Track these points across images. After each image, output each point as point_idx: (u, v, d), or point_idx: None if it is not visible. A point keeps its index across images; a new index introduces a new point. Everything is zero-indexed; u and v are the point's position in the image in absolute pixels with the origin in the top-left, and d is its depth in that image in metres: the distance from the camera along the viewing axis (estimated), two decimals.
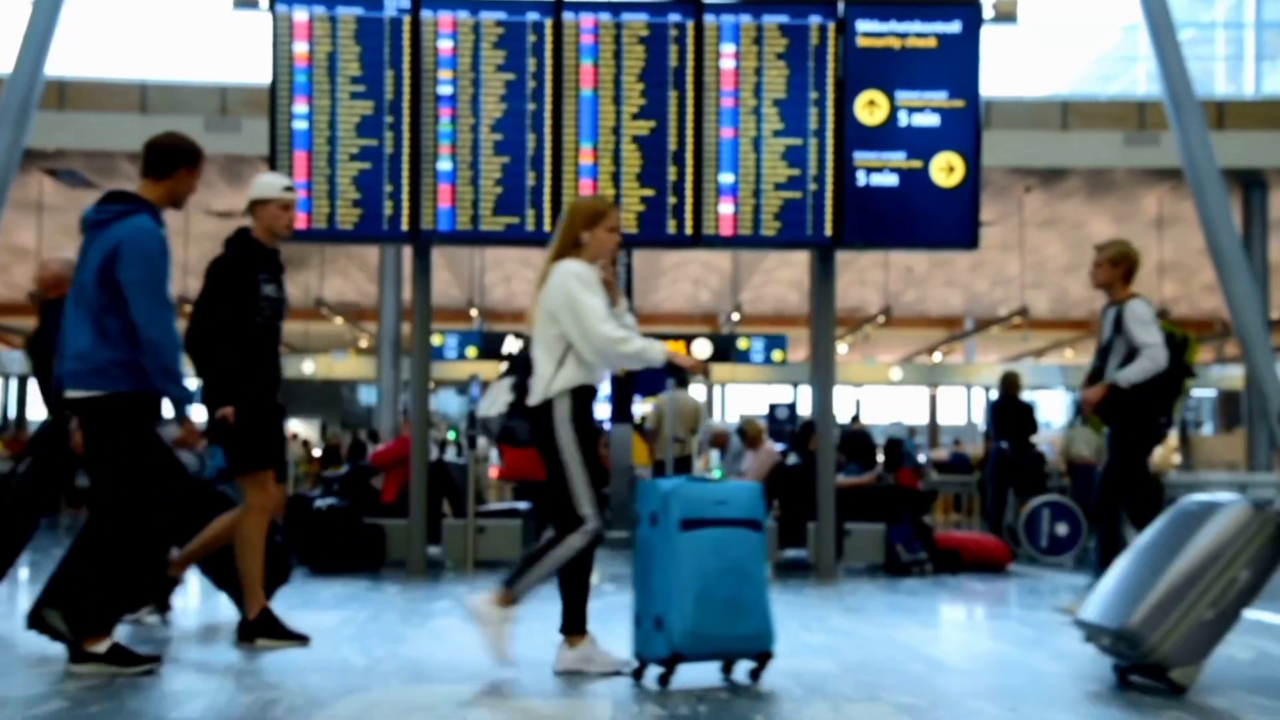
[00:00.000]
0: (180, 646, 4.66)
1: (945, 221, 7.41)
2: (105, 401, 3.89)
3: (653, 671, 3.84)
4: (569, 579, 4.03)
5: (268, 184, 4.66)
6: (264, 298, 4.55)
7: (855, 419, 14.34)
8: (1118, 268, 5.63)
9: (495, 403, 4.24)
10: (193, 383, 4.13)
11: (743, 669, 3.93)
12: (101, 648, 3.87)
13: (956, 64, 7.39)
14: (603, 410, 14.50)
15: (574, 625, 4.05)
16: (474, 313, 21.57)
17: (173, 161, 4.10)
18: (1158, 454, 22.38)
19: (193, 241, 16.81)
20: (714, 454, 10.27)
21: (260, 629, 4.50)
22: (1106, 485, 5.57)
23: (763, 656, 3.84)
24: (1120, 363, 5.51)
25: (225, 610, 5.94)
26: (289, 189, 4.72)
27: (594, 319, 3.91)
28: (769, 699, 3.64)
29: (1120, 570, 3.93)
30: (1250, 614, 5.72)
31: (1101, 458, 12.75)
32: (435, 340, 17.32)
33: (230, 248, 4.62)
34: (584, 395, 4.01)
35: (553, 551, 3.95)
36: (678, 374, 4.06)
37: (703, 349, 19.43)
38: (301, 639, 4.51)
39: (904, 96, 7.38)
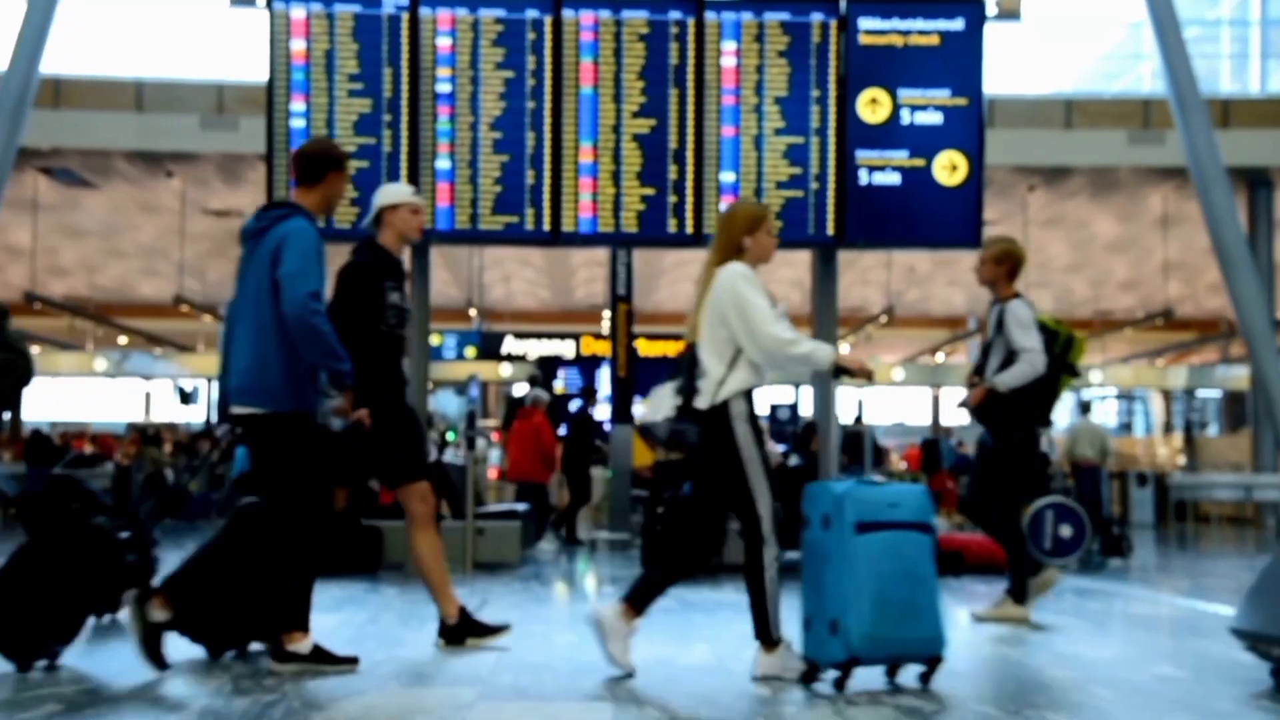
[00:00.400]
0: (181, 647, 4.58)
1: (948, 221, 7.37)
2: (274, 420, 3.94)
3: (827, 675, 3.83)
4: (757, 590, 4.01)
5: (397, 190, 4.72)
6: (390, 305, 4.57)
7: (858, 420, 14.28)
8: (1001, 266, 5.53)
9: (660, 408, 4.22)
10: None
11: (910, 673, 3.90)
12: (304, 647, 3.94)
13: (959, 62, 7.35)
14: (603, 411, 14.46)
15: (768, 633, 4.05)
16: (473, 313, 21.49)
17: (321, 168, 4.14)
18: (1163, 455, 22.29)
19: (189, 241, 16.79)
20: None
21: (464, 630, 4.54)
22: (979, 489, 5.55)
23: (933, 661, 3.84)
24: (1000, 364, 5.44)
25: None
26: (417, 193, 4.83)
27: (763, 320, 3.92)
28: (772, 702, 3.61)
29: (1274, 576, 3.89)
30: None
31: (1106, 458, 12.75)
32: (434, 340, 17.32)
33: (359, 254, 4.62)
34: (752, 398, 4.04)
35: (765, 578, 3.98)
36: (845, 377, 4.05)
37: None
38: (503, 629, 4.59)
39: (906, 94, 7.33)
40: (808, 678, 3.84)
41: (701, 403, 4.00)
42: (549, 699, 3.65)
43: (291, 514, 3.96)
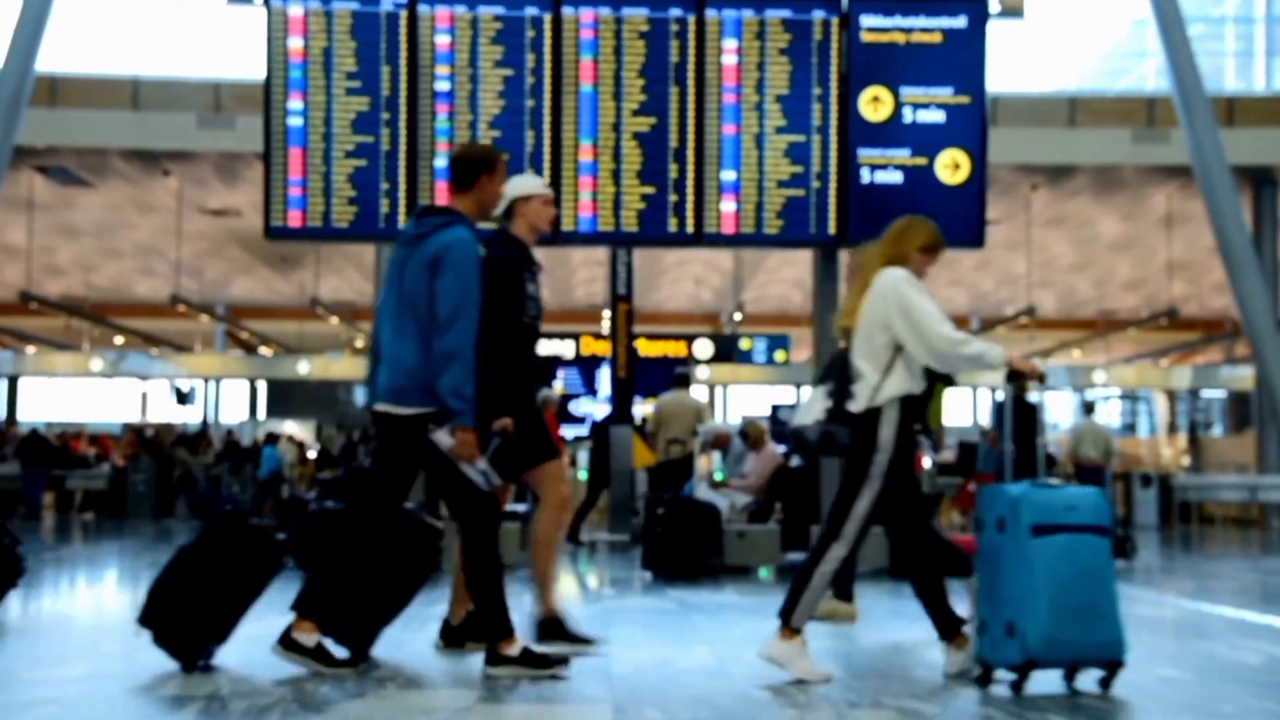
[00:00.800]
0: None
1: (951, 220, 7.27)
2: (421, 420, 3.93)
3: (1004, 677, 3.81)
4: (805, 576, 3.99)
5: (529, 182, 4.69)
6: (529, 296, 4.59)
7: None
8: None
9: (811, 410, 4.21)
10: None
11: (1090, 679, 3.84)
12: (514, 650, 3.95)
13: (962, 59, 7.30)
14: (602, 410, 14.44)
15: (951, 628, 4.07)
16: None
17: (472, 171, 4.13)
18: (1167, 456, 22.20)
19: (186, 240, 16.74)
20: (715, 456, 10.16)
21: (552, 630, 4.50)
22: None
23: (1113, 665, 3.79)
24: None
25: None
26: (547, 185, 4.87)
27: (932, 321, 3.92)
28: (772, 706, 3.56)
29: None
30: (1260, 618, 5.61)
31: (1110, 459, 12.68)
32: None
33: (496, 247, 4.52)
34: (909, 405, 4.04)
35: (819, 569, 3.95)
36: (1018, 380, 4.05)
37: (704, 349, 19.36)
38: (589, 641, 4.51)
39: (909, 92, 7.28)
40: (983, 680, 3.85)
41: (856, 406, 4.01)
42: (549, 702, 3.61)
43: (472, 519, 3.99)
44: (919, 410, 5.32)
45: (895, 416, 3.98)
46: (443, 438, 3.89)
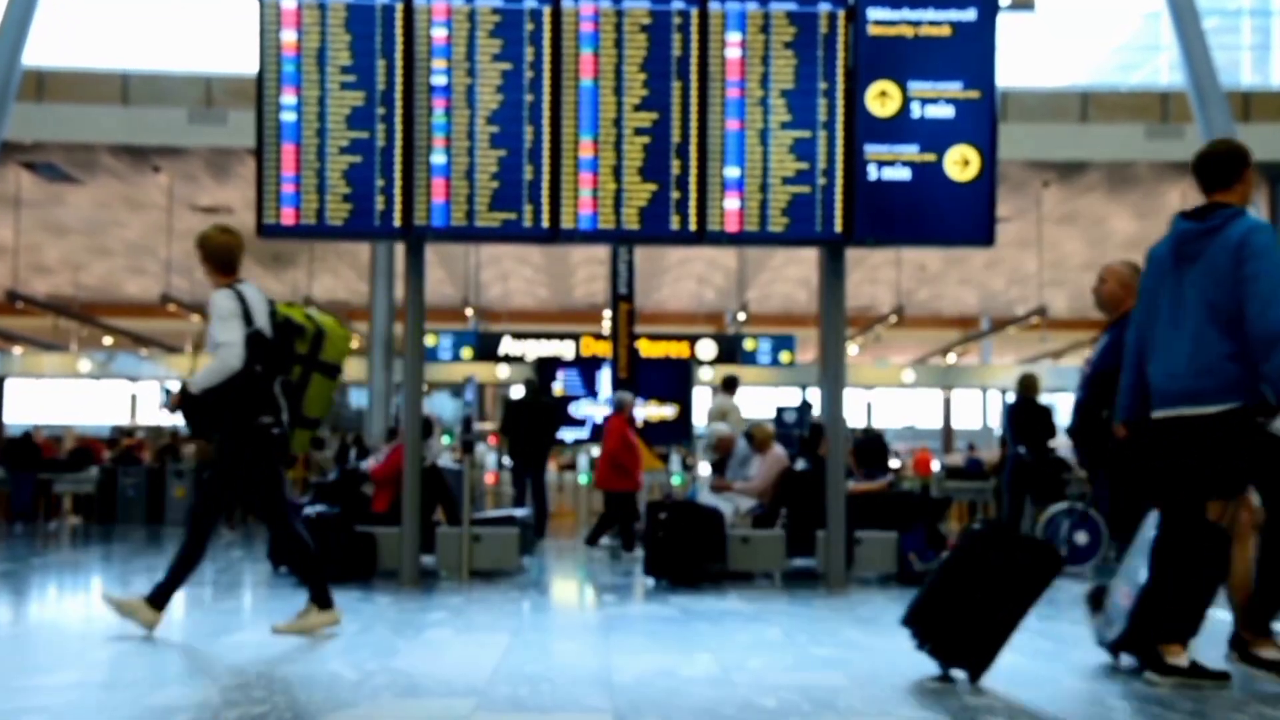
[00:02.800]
0: (168, 658, 4.53)
1: (960, 217, 7.16)
2: (1234, 415, 3.92)
3: None
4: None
5: None
6: None
7: (868, 430, 14.07)
8: (203, 260, 5.01)
9: None
10: None
11: None
12: (1182, 660, 3.91)
13: (972, 53, 7.15)
14: (602, 412, 14.30)
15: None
16: (469, 312, 21.37)
17: (1236, 167, 4.15)
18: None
19: (177, 238, 16.65)
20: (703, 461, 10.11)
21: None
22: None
23: None
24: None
25: (215, 617, 5.74)
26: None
27: None
28: (777, 714, 3.49)
29: None
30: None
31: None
32: (429, 341, 17.15)
33: None
34: None
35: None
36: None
37: (707, 350, 19.21)
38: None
39: (917, 87, 7.13)
40: None
41: None
42: (547, 711, 3.54)
43: (1191, 525, 3.97)
44: (265, 401, 4.85)
45: None
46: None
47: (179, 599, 5.64)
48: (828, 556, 7.37)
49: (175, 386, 4.97)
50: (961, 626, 4.06)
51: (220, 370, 4.81)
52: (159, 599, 4.89)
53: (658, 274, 20.53)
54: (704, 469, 10.69)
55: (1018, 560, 4.10)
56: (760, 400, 22.10)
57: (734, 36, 7.12)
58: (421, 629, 5.23)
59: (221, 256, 5.01)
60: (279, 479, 4.99)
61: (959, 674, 4.07)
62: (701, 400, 16.79)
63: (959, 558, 4.22)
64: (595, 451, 13.97)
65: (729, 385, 11.41)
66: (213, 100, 12.90)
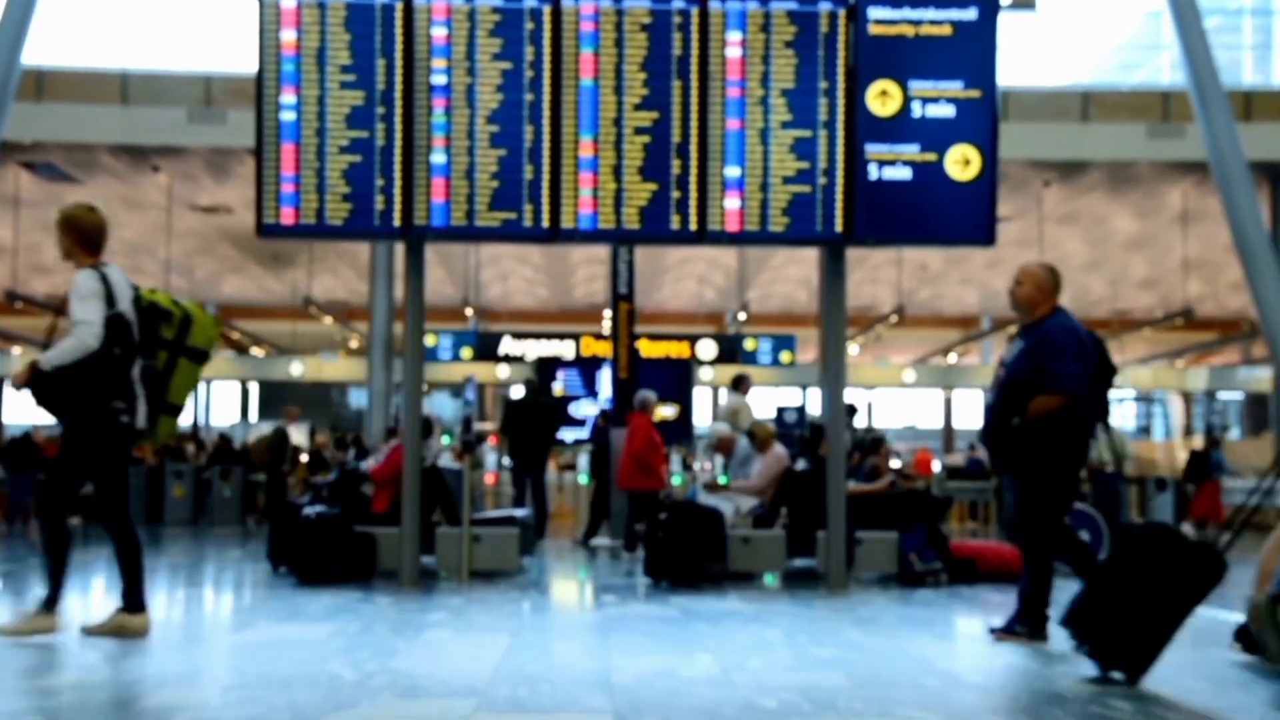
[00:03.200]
0: (166, 659, 4.51)
1: (961, 217, 7.15)
2: None
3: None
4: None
5: None
6: None
7: (869, 430, 14.01)
8: (67, 236, 4.84)
9: None
10: None
11: None
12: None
13: (973, 53, 7.13)
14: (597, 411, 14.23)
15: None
16: (469, 312, 21.35)
17: None
18: (1182, 459, 21.91)
19: (176, 238, 16.64)
20: (718, 459, 10.00)
21: None
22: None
23: None
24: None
25: (212, 618, 5.73)
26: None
27: None
28: (777, 714, 3.48)
29: None
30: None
31: (1124, 462, 12.46)
32: (429, 341, 17.11)
33: None
34: None
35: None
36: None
37: (707, 350, 19.19)
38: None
39: (918, 86, 7.11)
40: None
41: None
42: (547, 711, 3.54)
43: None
44: (118, 384, 4.63)
45: None
46: None
47: (179, 599, 5.63)
48: (828, 556, 7.36)
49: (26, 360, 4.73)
50: (1121, 629, 3.99)
51: (75, 349, 4.64)
52: (135, 602, 4.82)
53: (658, 274, 20.52)
54: (713, 469, 10.61)
55: (1181, 563, 4.02)
56: (760, 400, 22.12)
57: (734, 36, 7.10)
58: (421, 629, 5.23)
59: (88, 235, 4.85)
60: (120, 467, 4.84)
61: (1117, 675, 4.03)
62: (702, 400, 16.77)
63: (1120, 559, 4.15)
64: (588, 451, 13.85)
65: (740, 383, 11.21)
66: (212, 100, 12.89)
